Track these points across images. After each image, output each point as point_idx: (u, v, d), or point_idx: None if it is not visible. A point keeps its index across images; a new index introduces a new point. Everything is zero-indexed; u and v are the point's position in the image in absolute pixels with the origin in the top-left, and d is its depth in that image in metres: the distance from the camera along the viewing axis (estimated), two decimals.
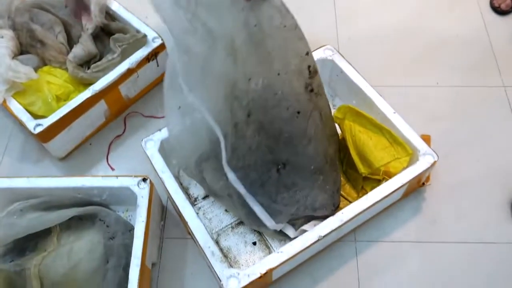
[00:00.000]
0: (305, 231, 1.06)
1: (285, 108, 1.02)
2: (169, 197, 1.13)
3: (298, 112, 1.04)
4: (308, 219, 1.11)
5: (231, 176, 1.08)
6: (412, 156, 1.13)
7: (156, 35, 1.33)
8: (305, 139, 1.10)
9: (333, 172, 1.15)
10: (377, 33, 1.54)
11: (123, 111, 1.40)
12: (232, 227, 1.17)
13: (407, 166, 1.12)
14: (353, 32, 1.54)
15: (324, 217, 1.07)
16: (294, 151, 1.10)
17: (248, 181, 1.09)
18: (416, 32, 1.53)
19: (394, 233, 1.17)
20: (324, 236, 1.02)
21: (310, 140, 1.09)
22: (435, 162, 1.10)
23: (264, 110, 1.02)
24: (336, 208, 1.13)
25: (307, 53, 1.01)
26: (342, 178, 1.20)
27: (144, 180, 1.11)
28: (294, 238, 1.06)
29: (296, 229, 1.10)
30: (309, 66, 1.02)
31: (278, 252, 1.01)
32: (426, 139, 1.16)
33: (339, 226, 1.03)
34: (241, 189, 1.09)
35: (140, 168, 1.27)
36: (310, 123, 1.07)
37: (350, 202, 1.15)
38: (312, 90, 1.05)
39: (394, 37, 1.52)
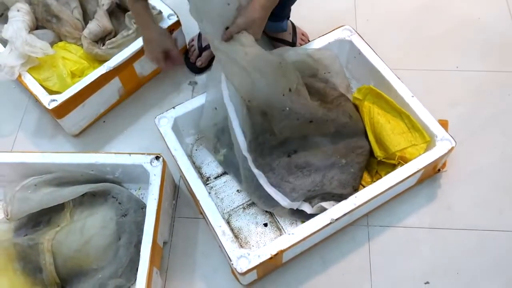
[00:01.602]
0: (323, 208, 1.05)
1: (295, 119, 1.08)
2: (182, 175, 1.13)
3: (311, 121, 1.10)
4: (324, 197, 1.10)
5: (249, 157, 1.10)
6: (429, 143, 1.11)
7: (171, 12, 1.32)
8: (321, 134, 1.15)
9: (363, 159, 1.15)
10: (396, 14, 1.50)
11: (137, 89, 1.39)
12: (244, 208, 1.16)
13: (423, 153, 1.09)
14: (372, 13, 1.51)
15: (341, 197, 1.07)
16: (306, 143, 1.14)
17: (256, 164, 1.11)
18: (437, 14, 1.49)
19: (408, 219, 1.15)
20: (336, 219, 1.01)
21: (326, 135, 1.15)
22: (452, 148, 1.08)
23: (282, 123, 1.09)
24: (355, 190, 1.12)
25: (289, 90, 1.06)
26: None
27: (157, 158, 1.11)
28: (311, 214, 1.06)
29: (312, 206, 1.10)
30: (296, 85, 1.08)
31: (289, 234, 1.00)
32: (444, 124, 1.14)
33: (352, 210, 1.02)
34: (254, 170, 1.09)
35: (153, 146, 1.27)
36: (329, 124, 1.12)
37: (364, 186, 1.14)
38: (332, 102, 1.12)
39: (414, 19, 1.49)
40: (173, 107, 1.17)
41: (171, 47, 1.18)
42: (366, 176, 1.18)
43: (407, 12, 1.50)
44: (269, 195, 1.10)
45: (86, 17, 1.38)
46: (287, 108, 1.06)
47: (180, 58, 1.24)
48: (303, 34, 1.40)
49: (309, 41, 1.37)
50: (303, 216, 1.10)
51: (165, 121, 1.15)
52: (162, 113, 1.16)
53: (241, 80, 1.04)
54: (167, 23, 1.30)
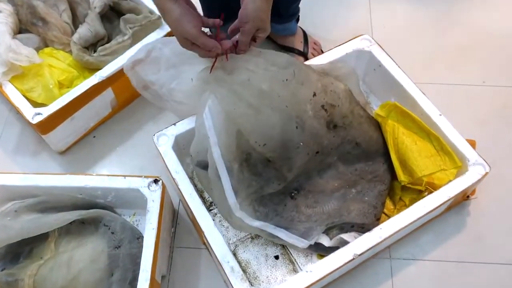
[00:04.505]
0: (343, 240, 0.95)
1: (306, 153, 0.98)
2: (182, 200, 1.01)
3: (317, 152, 1.00)
4: (343, 227, 1.00)
5: (243, 215, 0.97)
6: (460, 169, 1.01)
7: None
8: (323, 166, 1.05)
9: (377, 185, 1.04)
10: (416, 21, 1.41)
11: (131, 101, 1.29)
12: (252, 238, 1.05)
13: (453, 179, 0.99)
14: (389, 19, 1.41)
15: (363, 227, 0.97)
16: (307, 180, 1.04)
17: (257, 215, 0.99)
18: (461, 23, 1.40)
19: (434, 251, 1.05)
20: (359, 255, 0.90)
21: (330, 166, 1.05)
22: (486, 173, 0.98)
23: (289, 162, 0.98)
24: (377, 220, 1.02)
25: (314, 94, 0.96)
26: None
27: (156, 181, 0.99)
28: (328, 247, 0.96)
29: (330, 238, 0.99)
30: (323, 106, 0.97)
31: (306, 272, 0.89)
32: (471, 144, 1.04)
33: (378, 244, 0.91)
34: (255, 223, 0.97)
35: (148, 165, 1.17)
36: (332, 153, 1.03)
37: (386, 214, 1.04)
38: (335, 126, 1.00)
39: (436, 28, 1.39)
40: (174, 124, 1.05)
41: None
42: (388, 203, 1.07)
43: (428, 19, 1.41)
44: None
45: (76, 21, 1.28)
46: (301, 144, 0.95)
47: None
48: (315, 43, 1.31)
49: (321, 50, 1.29)
50: (320, 249, 0.99)
51: (164, 140, 1.03)
52: (162, 130, 1.04)
53: (250, 121, 0.90)
54: (167, 29, 1.20)
